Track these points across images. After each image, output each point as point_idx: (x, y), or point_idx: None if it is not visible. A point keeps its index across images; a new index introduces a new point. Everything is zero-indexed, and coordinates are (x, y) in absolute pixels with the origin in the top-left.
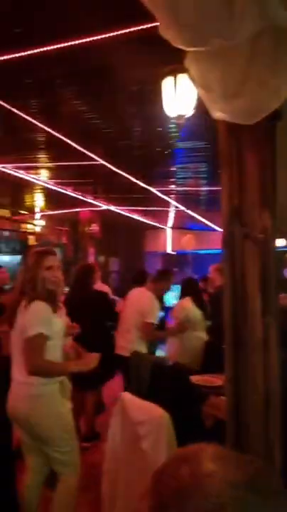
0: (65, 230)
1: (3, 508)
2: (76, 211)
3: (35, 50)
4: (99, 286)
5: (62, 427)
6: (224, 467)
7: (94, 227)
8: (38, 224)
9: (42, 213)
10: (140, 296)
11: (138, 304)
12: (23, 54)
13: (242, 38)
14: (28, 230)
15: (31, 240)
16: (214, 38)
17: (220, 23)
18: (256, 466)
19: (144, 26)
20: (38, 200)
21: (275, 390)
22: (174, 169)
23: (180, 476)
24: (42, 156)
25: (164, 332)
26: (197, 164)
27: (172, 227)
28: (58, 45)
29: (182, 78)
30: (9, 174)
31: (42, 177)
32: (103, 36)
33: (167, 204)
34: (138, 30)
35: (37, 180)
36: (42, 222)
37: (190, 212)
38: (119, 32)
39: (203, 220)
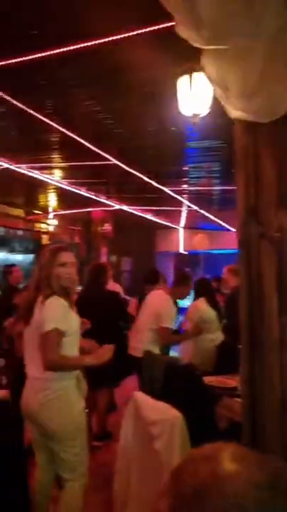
0: (78, 230)
1: (15, 504)
2: (89, 211)
3: (50, 52)
4: (111, 285)
5: (74, 426)
6: (245, 467)
7: (107, 227)
8: (51, 223)
9: (55, 213)
10: (158, 299)
11: (155, 306)
12: (38, 56)
13: (261, 36)
14: (42, 230)
15: (44, 240)
16: (234, 36)
17: (240, 22)
18: (277, 466)
19: (158, 27)
20: (52, 199)
21: None
22: (187, 169)
23: (200, 475)
24: (56, 156)
25: (180, 336)
26: (210, 164)
27: (185, 227)
28: (73, 47)
29: (198, 77)
30: (23, 174)
31: (55, 177)
32: (117, 37)
33: (179, 204)
34: (152, 30)
35: (51, 180)
36: (56, 222)
37: (202, 211)
38: (133, 33)
39: (216, 219)
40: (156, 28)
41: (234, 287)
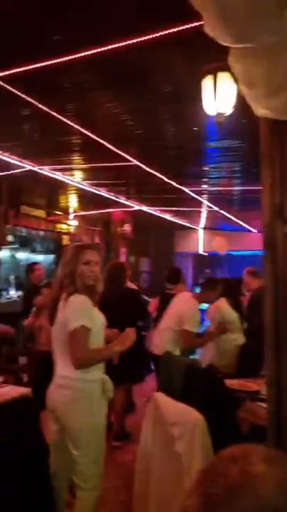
0: (98, 230)
1: (36, 500)
2: (109, 212)
3: (72, 56)
4: (128, 285)
5: (92, 431)
6: (277, 469)
7: (127, 228)
8: (71, 224)
9: (75, 214)
10: (184, 302)
11: (181, 308)
12: (60, 60)
13: None
14: (62, 230)
15: (65, 240)
16: (263, 35)
17: (270, 20)
18: None
19: (179, 28)
20: (72, 201)
21: None
22: (207, 169)
23: (231, 475)
24: (77, 158)
25: (203, 339)
26: (230, 164)
27: (205, 228)
28: (94, 50)
29: (223, 76)
30: (46, 176)
31: (76, 178)
32: (138, 40)
33: (199, 204)
34: (173, 32)
35: (72, 181)
36: (76, 223)
37: (222, 212)
38: (155, 35)
39: (236, 220)
40: (177, 29)
41: (254, 289)
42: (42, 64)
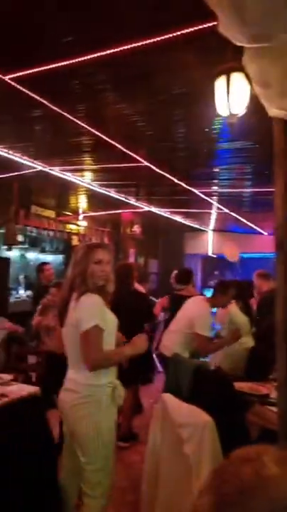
0: (107, 231)
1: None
2: (118, 213)
3: (84, 58)
4: (136, 287)
5: (100, 437)
6: None
7: (136, 229)
8: (80, 225)
9: (85, 214)
10: (196, 305)
11: (192, 312)
12: (72, 61)
13: None
14: (72, 231)
15: (74, 241)
16: (279, 34)
17: (285, 19)
18: None
19: (192, 29)
20: (82, 201)
21: None
22: (217, 170)
23: (244, 476)
24: (87, 159)
25: (218, 344)
26: (241, 165)
27: (214, 230)
28: (105, 52)
29: (236, 77)
30: (56, 176)
31: (86, 179)
32: (150, 41)
33: (209, 206)
34: (185, 33)
35: (82, 182)
36: (85, 223)
37: (233, 214)
38: (167, 36)
39: (247, 222)
40: (187, 31)
41: (264, 292)
42: (54, 65)
